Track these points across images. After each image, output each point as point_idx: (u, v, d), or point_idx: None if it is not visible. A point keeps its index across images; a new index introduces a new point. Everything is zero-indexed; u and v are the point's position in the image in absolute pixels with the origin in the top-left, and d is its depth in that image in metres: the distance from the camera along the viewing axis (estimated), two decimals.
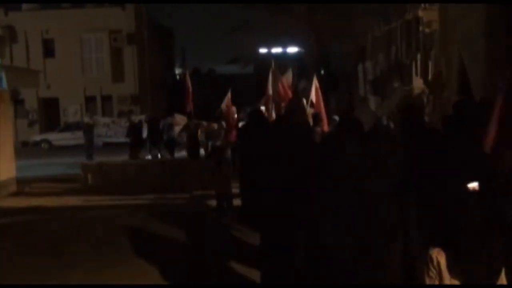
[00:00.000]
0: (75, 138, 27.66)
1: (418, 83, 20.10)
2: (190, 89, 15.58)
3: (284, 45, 53.09)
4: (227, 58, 67.49)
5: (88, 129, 20.43)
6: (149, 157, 19.88)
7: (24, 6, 34.94)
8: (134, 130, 18.24)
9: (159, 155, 19.95)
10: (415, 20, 18.71)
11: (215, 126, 14.89)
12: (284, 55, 48.23)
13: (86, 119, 21.41)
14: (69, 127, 29.97)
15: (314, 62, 29.71)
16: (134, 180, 12.89)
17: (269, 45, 53.26)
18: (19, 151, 28.02)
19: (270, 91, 13.27)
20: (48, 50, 34.19)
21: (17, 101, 31.77)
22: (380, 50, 25.31)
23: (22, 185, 14.46)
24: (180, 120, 16.54)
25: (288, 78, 13.69)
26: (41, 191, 13.78)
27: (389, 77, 23.75)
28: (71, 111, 34.09)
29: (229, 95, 13.78)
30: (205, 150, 15.28)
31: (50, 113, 34.33)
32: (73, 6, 34.71)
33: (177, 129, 16.52)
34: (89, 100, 34.54)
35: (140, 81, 34.71)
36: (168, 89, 39.56)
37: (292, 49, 49.99)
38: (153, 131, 18.32)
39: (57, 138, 29.79)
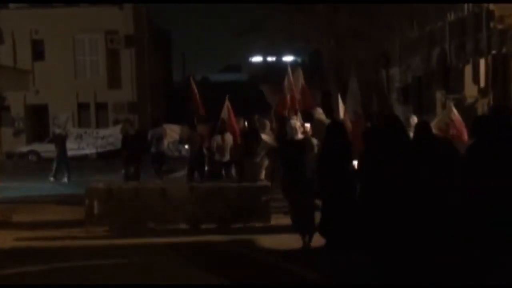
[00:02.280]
0: (81, 148, 25.18)
1: (471, 91, 17.44)
2: (198, 95, 13.91)
3: (280, 54, 51.25)
4: (220, 66, 65.86)
5: (59, 141, 18.36)
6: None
7: (12, 4, 32.83)
8: (129, 142, 14.87)
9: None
10: (474, 16, 16.03)
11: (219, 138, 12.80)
12: (279, 63, 46.16)
13: (58, 130, 19.23)
14: None
15: (334, 68, 26.96)
16: (155, 209, 9.96)
17: (265, 53, 51.51)
18: (3, 164, 25.74)
19: (288, 98, 12.29)
20: (38, 52, 32.20)
21: (2, 108, 30.23)
22: (414, 54, 22.68)
23: (7, 211, 11.50)
24: (169, 132, 14.82)
25: (299, 79, 12.89)
26: (32, 221, 10.76)
27: (428, 83, 21.11)
28: (62, 120, 31.29)
29: (227, 104, 12.50)
30: (209, 165, 13.12)
31: (38, 122, 32.31)
32: (65, 5, 32.55)
33: (165, 142, 14.85)
34: (82, 108, 32.49)
35: (139, 87, 32.47)
36: (167, 96, 37.34)
37: (288, 58, 48.33)
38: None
39: (46, 149, 27.01)
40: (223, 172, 12.61)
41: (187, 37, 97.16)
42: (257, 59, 54.69)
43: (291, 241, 8.11)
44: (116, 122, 28.98)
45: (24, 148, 28.73)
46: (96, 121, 31.93)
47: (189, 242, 8.80)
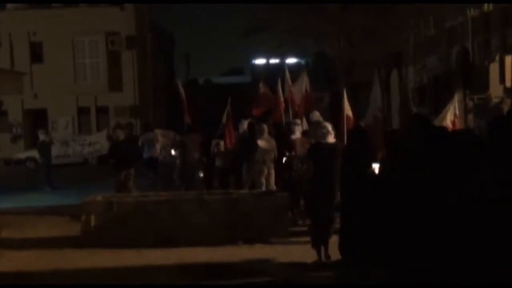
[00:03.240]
0: (67, 155, 25.66)
1: (496, 91, 16.34)
2: (185, 101, 13.66)
3: (283, 56, 50.25)
4: (223, 68, 65.06)
5: (44, 149, 17.38)
6: None
7: (9, 5, 31.88)
8: (118, 149, 13.53)
9: None
10: (501, 11, 14.93)
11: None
12: (282, 66, 44.94)
13: (42, 137, 17.95)
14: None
15: (344, 68, 25.90)
16: (159, 224, 8.87)
17: (269, 55, 50.48)
18: None
19: (282, 99, 12.32)
20: (36, 54, 31.18)
21: None
22: (430, 53, 21.58)
23: None
24: (161, 137, 14.36)
25: (303, 83, 12.71)
26: (23, 238, 9.71)
27: (446, 83, 20.01)
28: (62, 125, 30.85)
29: (228, 108, 12.01)
30: (204, 171, 12.50)
31: (37, 127, 30.50)
32: (64, 6, 31.48)
33: (158, 147, 14.18)
34: (82, 112, 31.47)
35: (141, 90, 31.42)
36: (170, 99, 36.36)
37: (291, 60, 47.38)
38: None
39: None
40: (218, 180, 11.83)
41: (190, 39, 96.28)
42: (260, 61, 53.83)
43: (307, 255, 7.52)
44: (118, 127, 28.11)
45: (22, 155, 27.52)
46: (97, 125, 30.96)
47: (199, 261, 7.75)
